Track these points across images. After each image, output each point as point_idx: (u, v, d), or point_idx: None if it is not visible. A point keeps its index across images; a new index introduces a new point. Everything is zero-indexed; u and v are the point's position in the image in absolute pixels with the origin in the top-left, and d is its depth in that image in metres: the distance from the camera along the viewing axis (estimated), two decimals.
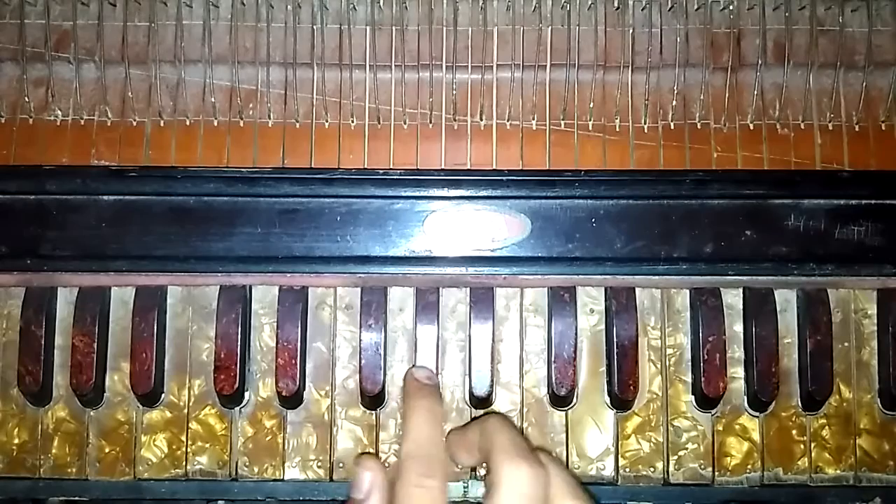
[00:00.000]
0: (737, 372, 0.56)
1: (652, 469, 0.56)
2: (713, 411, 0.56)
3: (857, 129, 0.59)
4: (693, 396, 0.56)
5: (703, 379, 0.55)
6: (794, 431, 0.56)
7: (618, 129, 0.59)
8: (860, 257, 0.54)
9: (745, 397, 0.56)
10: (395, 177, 0.55)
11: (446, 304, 0.57)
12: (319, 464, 0.56)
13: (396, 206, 0.55)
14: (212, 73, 0.58)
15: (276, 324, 0.56)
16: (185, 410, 0.56)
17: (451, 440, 0.49)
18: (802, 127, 0.59)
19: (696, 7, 0.59)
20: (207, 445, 0.56)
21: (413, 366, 0.55)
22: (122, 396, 0.56)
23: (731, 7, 0.59)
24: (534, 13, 0.59)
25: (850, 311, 0.57)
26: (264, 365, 0.56)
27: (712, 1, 0.59)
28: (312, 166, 0.58)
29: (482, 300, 0.56)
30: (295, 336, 0.55)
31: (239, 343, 0.55)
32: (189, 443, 0.56)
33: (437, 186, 0.55)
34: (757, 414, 0.56)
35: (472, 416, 0.56)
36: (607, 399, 0.56)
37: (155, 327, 0.55)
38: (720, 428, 0.56)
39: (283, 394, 0.55)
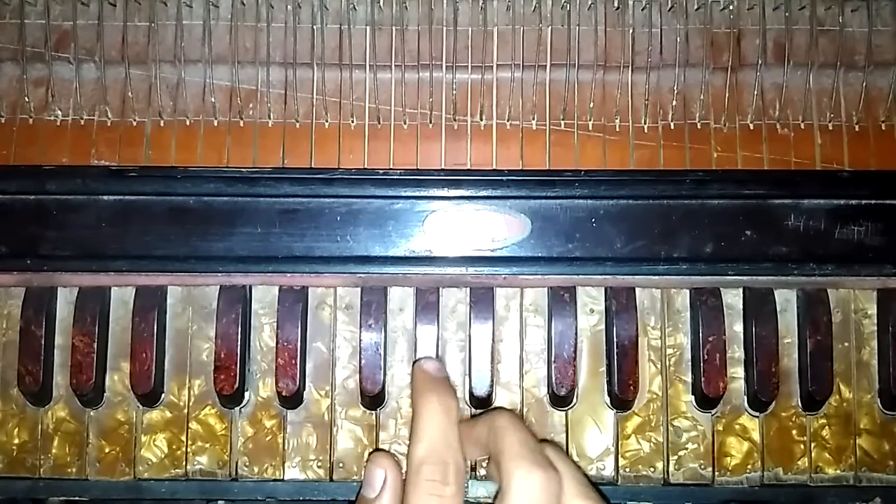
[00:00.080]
0: (737, 372, 0.56)
1: (652, 469, 0.56)
2: (713, 411, 0.56)
3: (857, 129, 0.58)
4: (693, 396, 0.56)
5: (703, 379, 0.55)
6: (794, 431, 0.56)
7: (618, 129, 0.59)
8: (860, 257, 0.54)
9: (745, 397, 0.56)
10: (395, 177, 0.55)
11: (446, 304, 0.57)
12: (319, 464, 0.56)
13: (396, 206, 0.55)
14: (212, 73, 0.58)
15: (276, 324, 0.56)
16: (185, 410, 0.56)
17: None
18: (802, 127, 0.59)
19: (696, 7, 0.59)
20: (207, 445, 0.56)
21: (420, 357, 0.54)
22: (122, 396, 0.56)
23: (731, 7, 0.59)
24: (534, 13, 0.59)
25: (850, 311, 0.57)
26: (264, 365, 0.56)
27: (712, 1, 0.59)
28: (312, 166, 0.58)
29: (482, 300, 0.56)
30: (295, 336, 0.55)
31: (239, 343, 0.55)
32: (189, 443, 0.56)
33: (437, 186, 0.55)
34: (757, 414, 0.56)
35: (473, 416, 0.56)
36: (607, 399, 0.56)
37: (155, 327, 0.55)
38: (720, 428, 0.56)
39: (283, 394, 0.55)
